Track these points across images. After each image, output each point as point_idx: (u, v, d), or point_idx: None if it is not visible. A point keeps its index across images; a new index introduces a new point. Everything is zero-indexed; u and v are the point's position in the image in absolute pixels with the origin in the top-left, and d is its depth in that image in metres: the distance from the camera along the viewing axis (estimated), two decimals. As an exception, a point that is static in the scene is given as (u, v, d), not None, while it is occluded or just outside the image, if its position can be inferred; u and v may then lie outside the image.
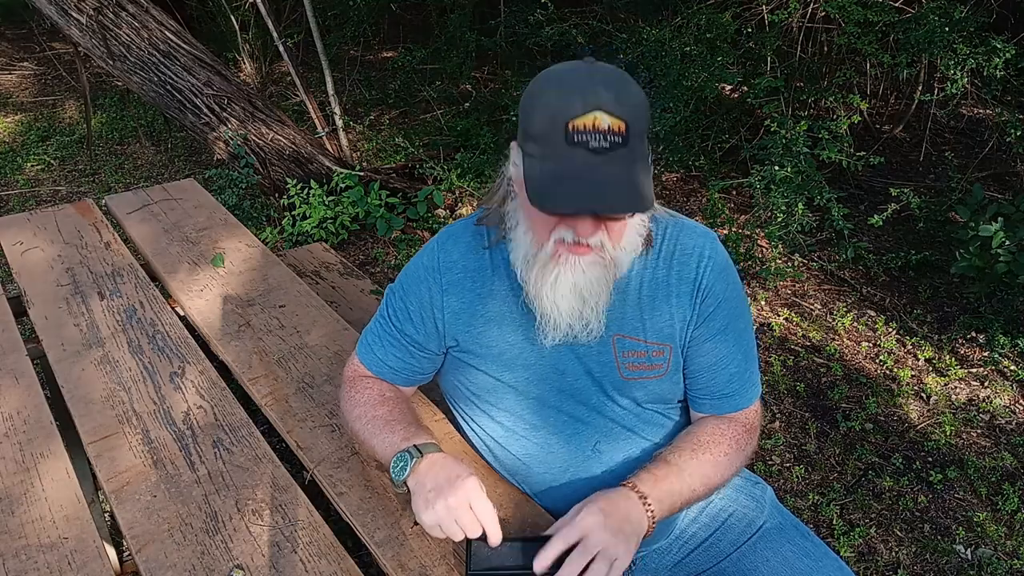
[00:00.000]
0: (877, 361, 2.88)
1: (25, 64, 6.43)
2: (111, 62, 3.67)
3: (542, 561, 1.04)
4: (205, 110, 3.66)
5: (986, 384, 2.76)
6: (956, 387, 2.75)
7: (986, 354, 2.88)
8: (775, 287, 3.30)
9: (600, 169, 0.98)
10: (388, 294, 1.33)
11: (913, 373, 2.81)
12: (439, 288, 1.24)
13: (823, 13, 3.32)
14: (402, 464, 1.13)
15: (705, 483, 1.20)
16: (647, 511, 1.12)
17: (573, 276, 1.08)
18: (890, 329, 3.04)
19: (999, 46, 2.76)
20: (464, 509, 1.07)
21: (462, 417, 1.37)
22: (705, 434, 1.24)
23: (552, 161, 1.00)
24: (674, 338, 1.21)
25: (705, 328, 1.22)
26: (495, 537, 1.07)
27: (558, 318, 1.12)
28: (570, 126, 0.98)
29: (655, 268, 1.21)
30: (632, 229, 1.12)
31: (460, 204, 3.78)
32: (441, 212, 3.74)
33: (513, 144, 1.13)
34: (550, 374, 1.23)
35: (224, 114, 3.66)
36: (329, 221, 3.53)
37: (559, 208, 1.00)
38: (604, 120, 0.98)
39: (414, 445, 1.15)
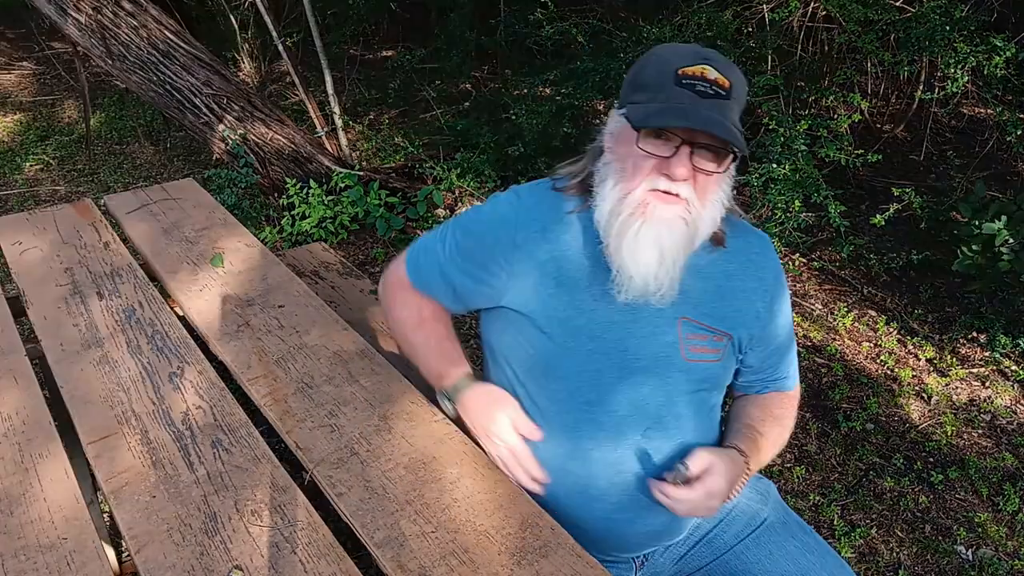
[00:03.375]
0: (878, 361, 2.87)
1: (24, 64, 6.43)
2: (110, 61, 3.66)
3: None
4: (204, 109, 3.66)
5: (987, 384, 2.76)
6: (957, 387, 2.75)
7: (987, 354, 2.88)
8: (775, 287, 3.29)
9: (704, 107, 1.07)
10: (452, 228, 1.34)
11: (914, 373, 2.81)
12: (512, 244, 1.24)
13: (824, 12, 3.31)
14: (447, 400, 1.36)
15: (775, 451, 1.35)
16: (745, 476, 1.26)
17: (656, 229, 1.11)
18: (891, 329, 3.04)
19: (1000, 45, 2.75)
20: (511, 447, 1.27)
21: (514, 379, 1.33)
22: (778, 407, 1.36)
23: (659, 100, 1.09)
24: (736, 328, 1.26)
25: (771, 320, 1.30)
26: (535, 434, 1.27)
27: (635, 272, 1.14)
28: (680, 72, 1.08)
29: (727, 262, 1.26)
30: (716, 200, 1.16)
31: (460, 204, 3.77)
32: (441, 212, 3.74)
33: (611, 112, 1.20)
34: (614, 348, 1.22)
35: (223, 114, 3.66)
36: (328, 221, 3.53)
37: (662, 122, 1.07)
38: (712, 72, 1.08)
39: (445, 389, 1.35)
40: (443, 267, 1.33)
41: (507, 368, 1.34)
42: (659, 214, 1.11)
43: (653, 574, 1.40)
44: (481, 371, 1.47)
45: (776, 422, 1.35)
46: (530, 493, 1.29)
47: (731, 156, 1.12)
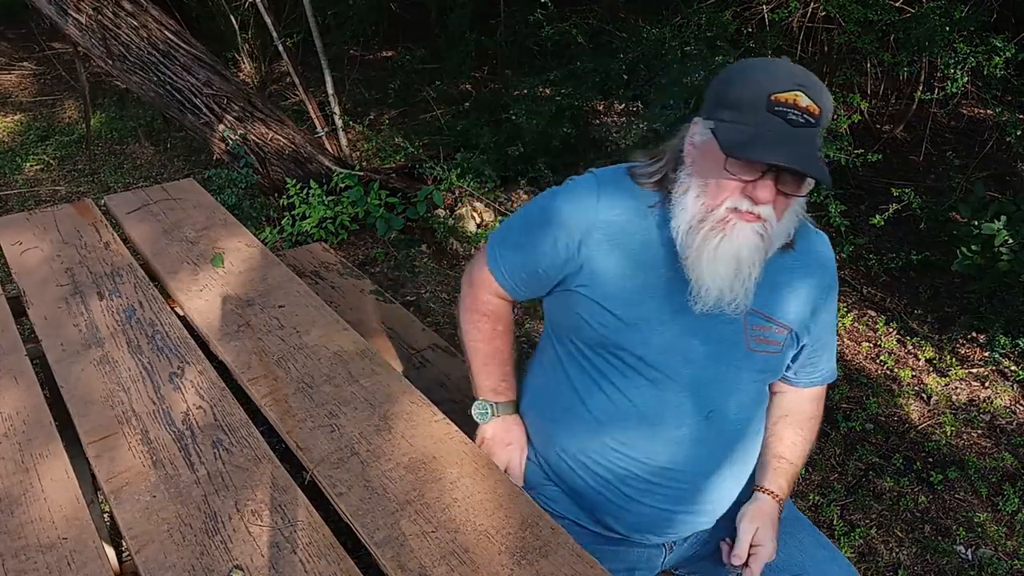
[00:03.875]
0: (878, 361, 2.88)
1: (24, 64, 6.43)
2: (110, 62, 3.66)
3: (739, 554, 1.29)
4: (204, 110, 3.66)
5: (987, 384, 2.76)
6: (957, 387, 2.75)
7: (987, 354, 2.88)
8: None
9: (794, 138, 1.09)
10: (532, 212, 1.36)
11: (914, 373, 2.81)
12: (592, 226, 1.26)
13: (823, 12, 3.31)
14: (482, 411, 1.48)
15: (805, 459, 1.44)
16: (780, 511, 1.34)
17: (736, 244, 1.15)
18: (891, 329, 3.04)
19: (999, 45, 2.75)
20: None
21: (579, 357, 1.34)
22: (811, 412, 1.45)
23: (749, 124, 1.10)
24: (795, 323, 1.31)
25: (825, 315, 1.36)
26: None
27: (712, 285, 1.18)
28: (772, 97, 1.09)
29: (792, 259, 1.30)
30: (791, 215, 1.20)
31: (460, 204, 3.77)
32: (441, 212, 3.74)
33: (695, 120, 1.21)
34: (683, 336, 1.25)
35: (223, 114, 3.66)
36: (329, 221, 3.53)
37: (758, 155, 1.08)
38: (804, 100, 1.09)
39: (496, 403, 1.47)
40: (520, 254, 1.36)
41: (570, 345, 1.35)
42: (738, 231, 1.15)
43: (674, 559, 1.44)
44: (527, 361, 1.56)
45: (808, 436, 1.44)
46: (601, 464, 1.33)
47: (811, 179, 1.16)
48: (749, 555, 1.28)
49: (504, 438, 1.46)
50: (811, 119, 1.09)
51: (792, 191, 1.14)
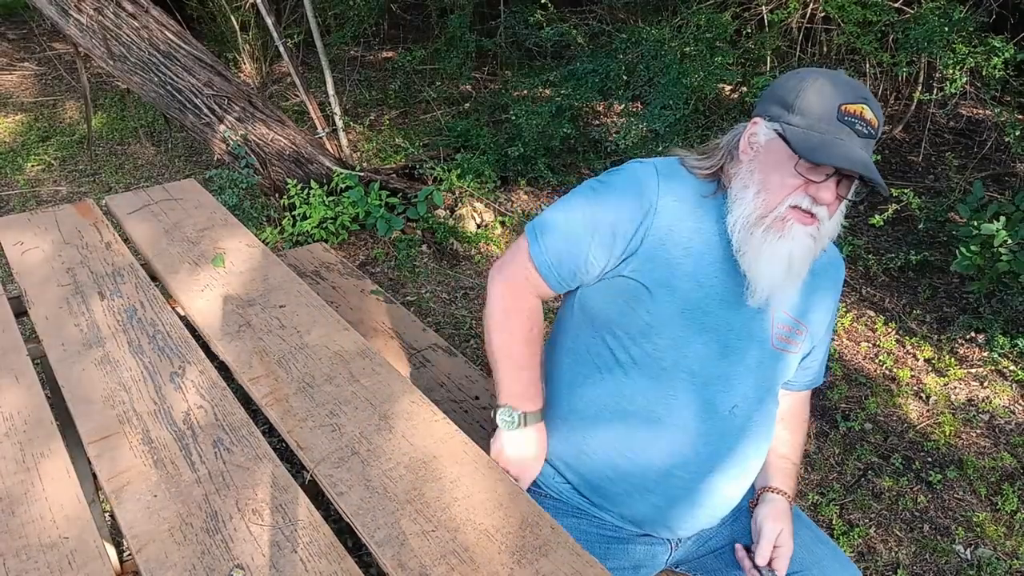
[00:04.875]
0: (876, 361, 2.88)
1: (26, 64, 6.43)
2: (111, 62, 3.67)
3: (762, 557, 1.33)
4: (205, 110, 3.66)
5: (985, 384, 2.76)
6: (955, 387, 2.76)
7: (985, 354, 2.88)
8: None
9: (859, 146, 1.17)
10: (585, 196, 1.33)
11: (912, 373, 2.81)
12: (654, 211, 1.27)
13: (823, 13, 3.32)
14: (508, 419, 1.39)
15: (802, 452, 1.52)
16: (791, 510, 1.39)
17: (791, 245, 1.20)
18: (889, 329, 3.04)
19: (998, 46, 2.76)
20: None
21: (614, 342, 1.33)
22: (802, 415, 1.51)
23: (820, 132, 1.17)
24: (812, 323, 1.36)
25: (831, 318, 1.42)
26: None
27: (765, 281, 1.22)
28: (843, 108, 1.17)
29: (816, 260, 1.31)
30: (837, 220, 1.26)
31: (460, 204, 3.78)
32: (441, 212, 3.74)
33: (757, 119, 1.26)
34: (719, 326, 1.27)
35: (224, 114, 3.66)
36: (329, 221, 3.54)
37: (830, 160, 1.15)
38: (868, 112, 1.18)
39: (524, 413, 1.39)
40: (568, 241, 1.32)
41: (607, 335, 1.33)
42: (795, 231, 1.20)
43: (681, 557, 1.46)
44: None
45: (803, 437, 1.51)
46: (627, 457, 1.34)
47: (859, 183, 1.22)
48: (772, 556, 1.33)
49: (538, 453, 1.41)
50: (872, 131, 1.18)
51: (845, 194, 1.21)
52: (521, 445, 1.40)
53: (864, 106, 1.17)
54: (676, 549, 1.42)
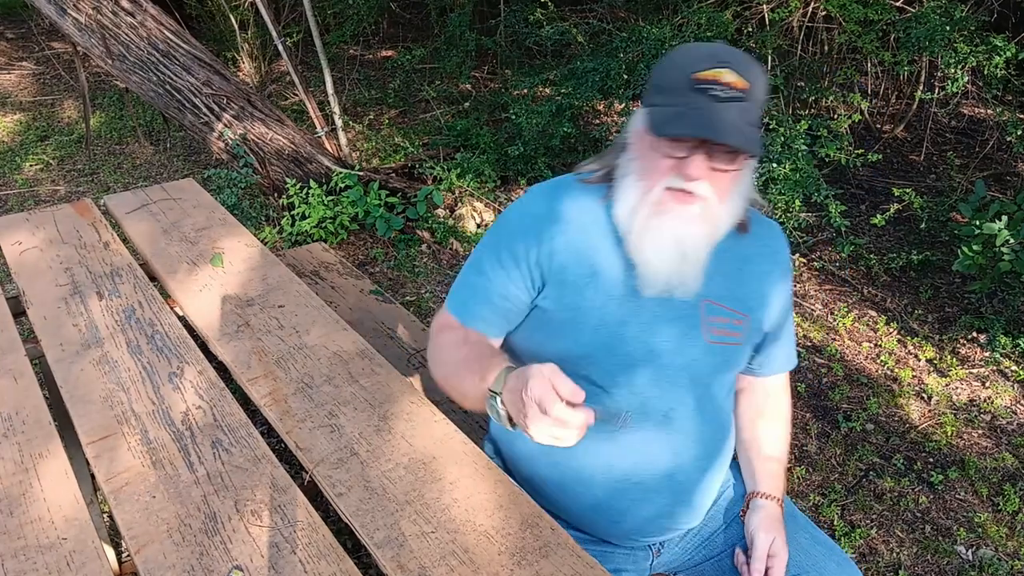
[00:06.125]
0: (878, 361, 2.87)
1: (24, 63, 6.42)
2: (110, 61, 3.66)
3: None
4: (204, 109, 3.65)
5: (987, 384, 2.76)
6: (957, 387, 2.75)
7: (987, 354, 2.88)
8: (775, 287, 3.29)
9: (718, 112, 1.09)
10: (484, 247, 1.32)
11: (914, 373, 2.81)
12: (549, 236, 1.24)
13: (824, 12, 3.31)
14: (496, 414, 1.10)
15: (788, 450, 1.47)
16: (782, 511, 1.36)
17: (676, 227, 1.14)
18: (891, 329, 3.04)
19: (1000, 45, 2.75)
20: (550, 406, 0.97)
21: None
22: (783, 405, 1.47)
23: (676, 103, 1.11)
24: (754, 310, 1.30)
25: (781, 303, 1.35)
26: (569, 438, 0.98)
27: (658, 269, 1.17)
28: (695, 76, 1.10)
29: (746, 246, 1.29)
30: (735, 195, 1.18)
31: (460, 204, 3.77)
32: (441, 212, 3.73)
33: (637, 109, 1.23)
34: (641, 333, 1.24)
35: (223, 113, 3.65)
36: (328, 221, 3.53)
37: (675, 131, 1.09)
38: (728, 75, 1.09)
39: (490, 390, 1.10)
40: (485, 286, 1.29)
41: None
42: (676, 212, 1.14)
43: (668, 562, 1.43)
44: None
45: (786, 428, 1.46)
46: (538, 481, 1.29)
47: (746, 154, 1.14)
48: (768, 567, 1.30)
49: (516, 393, 1.03)
50: (739, 93, 1.09)
51: (725, 165, 1.13)
52: (516, 386, 1.04)
53: (720, 70, 1.09)
54: (659, 555, 1.40)
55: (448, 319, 1.32)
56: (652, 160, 1.15)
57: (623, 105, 3.55)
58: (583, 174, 1.31)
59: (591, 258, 1.24)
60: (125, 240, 2.24)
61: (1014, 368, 2.81)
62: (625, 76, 3.41)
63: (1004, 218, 2.85)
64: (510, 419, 1.07)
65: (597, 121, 4.62)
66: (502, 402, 1.07)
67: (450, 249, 3.61)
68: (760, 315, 1.31)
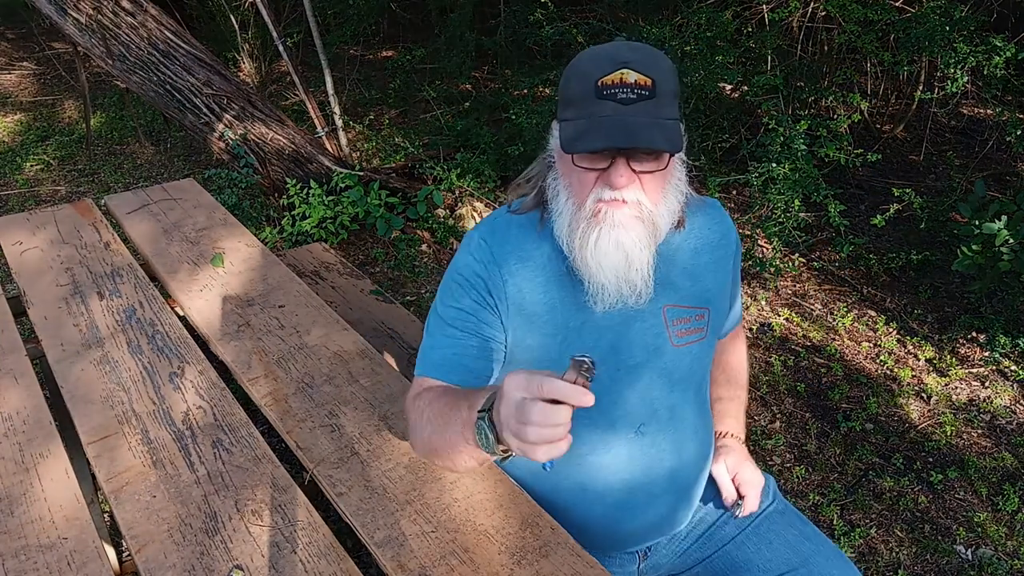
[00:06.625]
0: (877, 361, 2.88)
1: (25, 64, 6.43)
2: (110, 62, 3.66)
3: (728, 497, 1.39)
4: (204, 110, 3.66)
5: (987, 384, 2.76)
6: (957, 387, 2.75)
7: (987, 354, 2.88)
8: (775, 287, 3.29)
9: (628, 116, 1.06)
10: (437, 306, 1.28)
11: (914, 373, 2.81)
12: (500, 279, 1.22)
13: (823, 12, 3.31)
14: (484, 438, 0.97)
15: (745, 378, 1.55)
16: (741, 443, 1.45)
17: (614, 233, 1.11)
18: (891, 329, 3.04)
19: (999, 45, 2.75)
20: (538, 407, 0.87)
21: None
22: (736, 357, 1.53)
23: (585, 116, 1.07)
24: (712, 301, 1.30)
25: (735, 275, 1.38)
26: (587, 398, 0.87)
27: (605, 280, 1.14)
28: (600, 83, 1.06)
29: (691, 240, 1.29)
30: (670, 193, 1.16)
31: (460, 204, 3.77)
32: (441, 212, 3.74)
33: (553, 123, 1.18)
34: (606, 354, 1.23)
35: (223, 114, 3.66)
36: (329, 221, 3.53)
37: (587, 146, 1.06)
38: (631, 76, 1.06)
39: (477, 413, 1.00)
40: (450, 348, 1.23)
41: None
42: (613, 219, 1.11)
43: (656, 565, 1.42)
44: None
45: (741, 374, 1.55)
46: (531, 493, 1.29)
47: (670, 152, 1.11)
48: (743, 495, 1.38)
49: (504, 408, 0.91)
50: (644, 91, 1.06)
51: (652, 167, 1.10)
52: (499, 415, 0.93)
53: (623, 71, 1.05)
54: (645, 559, 1.40)
55: (422, 382, 1.24)
56: (576, 176, 1.12)
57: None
58: (514, 205, 1.28)
59: (543, 288, 1.22)
60: (126, 240, 2.24)
61: (1013, 368, 2.81)
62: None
63: (1004, 218, 2.85)
64: (499, 440, 0.96)
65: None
66: (490, 419, 0.97)
67: (450, 249, 3.61)
68: (721, 304, 1.33)
